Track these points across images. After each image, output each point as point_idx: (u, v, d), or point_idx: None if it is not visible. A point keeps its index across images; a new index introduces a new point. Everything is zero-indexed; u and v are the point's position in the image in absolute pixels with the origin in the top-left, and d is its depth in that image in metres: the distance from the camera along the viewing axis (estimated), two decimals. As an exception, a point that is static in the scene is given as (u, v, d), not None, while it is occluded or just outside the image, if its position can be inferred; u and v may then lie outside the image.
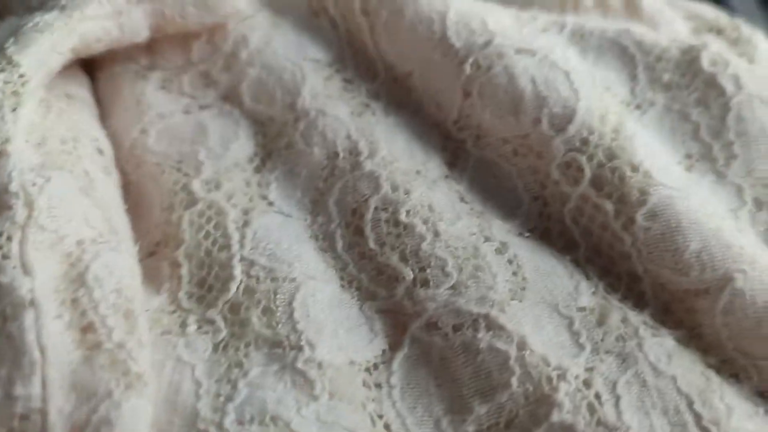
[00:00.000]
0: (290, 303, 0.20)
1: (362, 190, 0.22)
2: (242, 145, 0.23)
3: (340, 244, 0.21)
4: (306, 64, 0.24)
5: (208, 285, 0.20)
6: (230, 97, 0.24)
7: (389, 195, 0.21)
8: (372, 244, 0.21)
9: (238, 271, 0.20)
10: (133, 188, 0.22)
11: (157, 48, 0.25)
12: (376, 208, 0.21)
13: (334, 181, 0.22)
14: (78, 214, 0.19)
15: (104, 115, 0.24)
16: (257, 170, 0.23)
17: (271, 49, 0.24)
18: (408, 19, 0.24)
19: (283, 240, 0.21)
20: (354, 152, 0.22)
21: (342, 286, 0.21)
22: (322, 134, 0.23)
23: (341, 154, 0.22)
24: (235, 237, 0.21)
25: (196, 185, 0.22)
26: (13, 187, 0.18)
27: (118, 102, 0.24)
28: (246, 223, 0.21)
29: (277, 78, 0.24)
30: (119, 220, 0.20)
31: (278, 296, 0.20)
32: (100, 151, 0.22)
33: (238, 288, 0.20)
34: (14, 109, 0.19)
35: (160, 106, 0.24)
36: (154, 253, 0.21)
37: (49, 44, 0.21)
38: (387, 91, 0.24)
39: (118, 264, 0.19)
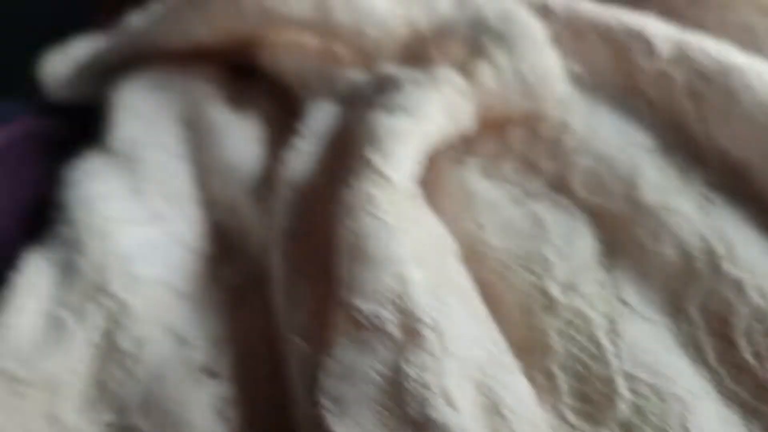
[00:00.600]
0: (683, 425, 0.19)
1: (727, 297, 0.21)
2: (586, 242, 0.22)
3: (711, 355, 0.20)
4: (635, 151, 0.23)
5: (592, 401, 0.20)
6: (559, 187, 0.23)
7: (759, 303, 0.21)
8: (748, 356, 0.20)
9: (621, 387, 0.20)
10: (480, 287, 0.22)
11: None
12: (746, 318, 0.20)
13: (692, 285, 0.21)
14: (467, 332, 0.19)
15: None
16: (607, 270, 0.22)
17: (597, 135, 0.24)
18: (745, 106, 0.23)
19: (656, 350, 0.20)
20: (710, 253, 0.21)
21: (724, 403, 0.20)
22: (672, 233, 0.22)
23: (697, 256, 0.21)
24: (609, 348, 0.20)
25: (554, 289, 0.21)
26: (419, 312, 0.18)
27: (440, 189, 0.24)
28: (614, 332, 0.20)
29: (609, 167, 0.23)
30: (494, 331, 0.20)
31: (670, 418, 0.19)
32: (454, 252, 0.21)
33: (625, 406, 0.19)
34: (398, 229, 0.19)
35: (487, 196, 0.23)
36: (517, 358, 0.21)
37: (411, 154, 0.21)
38: (724, 182, 0.23)
39: (519, 389, 0.18)
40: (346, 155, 0.22)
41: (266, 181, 0.25)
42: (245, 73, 0.32)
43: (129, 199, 0.25)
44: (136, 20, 0.32)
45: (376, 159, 0.20)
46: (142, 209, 0.25)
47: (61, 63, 0.39)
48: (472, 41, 0.24)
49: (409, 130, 0.21)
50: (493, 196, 0.23)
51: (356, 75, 0.26)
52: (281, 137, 0.28)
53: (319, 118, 0.25)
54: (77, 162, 0.27)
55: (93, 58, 0.35)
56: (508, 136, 0.24)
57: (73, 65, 0.36)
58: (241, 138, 0.28)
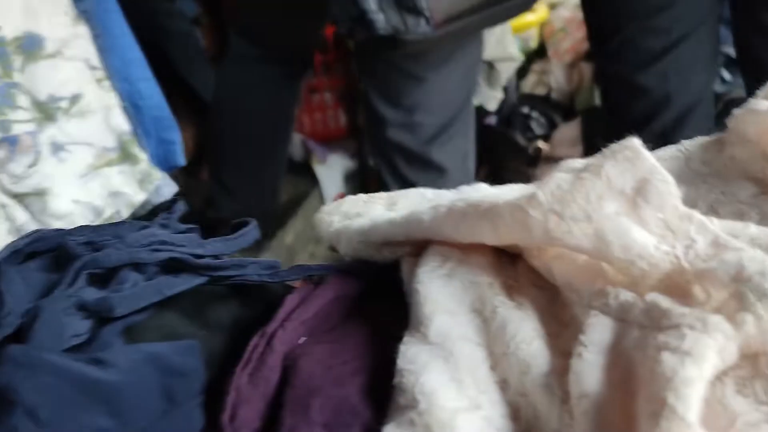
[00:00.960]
0: None
1: None
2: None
3: None
4: None
5: None
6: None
7: None
8: None
9: None
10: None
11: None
12: None
13: None
14: None
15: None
16: None
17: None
18: None
19: None
20: None
21: None
22: None
23: None
24: None
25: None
26: None
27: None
28: None
29: None
30: None
31: None
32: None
33: None
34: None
35: (744, 414, 0.30)
36: None
37: (699, 396, 0.28)
38: None
39: None
40: (639, 387, 0.29)
41: (553, 377, 0.33)
42: (513, 258, 0.40)
43: (453, 389, 0.33)
44: (425, 213, 0.40)
45: (679, 407, 0.27)
46: (463, 398, 0.33)
47: (338, 221, 0.48)
48: (736, 292, 0.30)
49: (698, 378, 0.28)
50: (749, 415, 0.30)
51: (625, 295, 0.33)
52: (556, 332, 0.36)
53: (599, 331, 0.33)
54: (403, 348, 0.35)
55: (374, 229, 0.44)
56: (759, 362, 0.31)
57: (355, 230, 0.45)
58: (523, 328, 0.35)
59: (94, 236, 0.44)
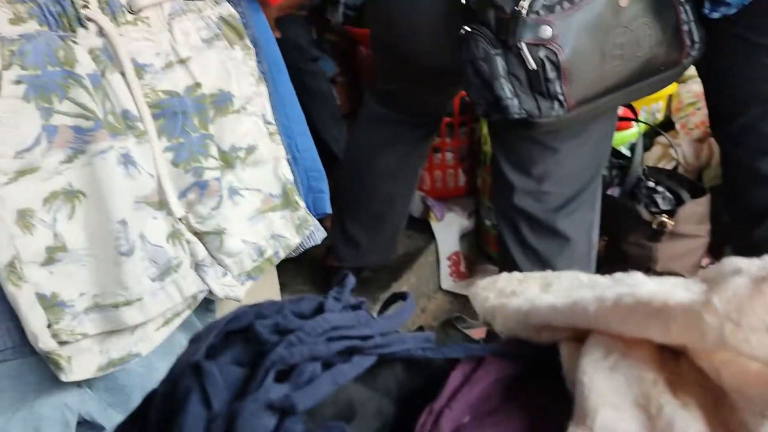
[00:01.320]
0: None
1: None
2: None
3: None
4: None
5: None
6: None
7: None
8: None
9: None
10: None
11: None
12: None
13: None
14: None
15: None
16: None
17: None
18: None
19: None
20: None
21: None
22: None
23: None
24: None
25: None
26: None
27: None
28: None
29: None
30: None
31: None
32: None
33: None
34: None
35: None
36: None
37: None
38: None
39: None
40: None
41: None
42: (676, 354, 0.42)
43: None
44: (589, 303, 0.43)
45: None
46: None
47: (493, 297, 0.51)
48: None
49: None
50: None
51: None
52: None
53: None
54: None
55: (534, 312, 0.47)
56: None
57: (513, 310, 0.48)
58: (689, 429, 0.37)
59: (279, 318, 0.50)
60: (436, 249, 1.96)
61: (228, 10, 0.86)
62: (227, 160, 0.85)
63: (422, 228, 2.01)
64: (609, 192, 1.71)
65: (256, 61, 0.91)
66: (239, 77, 0.85)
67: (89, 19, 0.71)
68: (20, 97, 0.64)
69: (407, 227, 1.99)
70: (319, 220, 1.99)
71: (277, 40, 1.77)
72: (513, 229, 1.32)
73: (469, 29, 1.02)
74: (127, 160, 0.72)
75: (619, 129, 1.91)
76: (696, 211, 1.65)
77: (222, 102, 0.84)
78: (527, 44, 0.98)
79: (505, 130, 1.24)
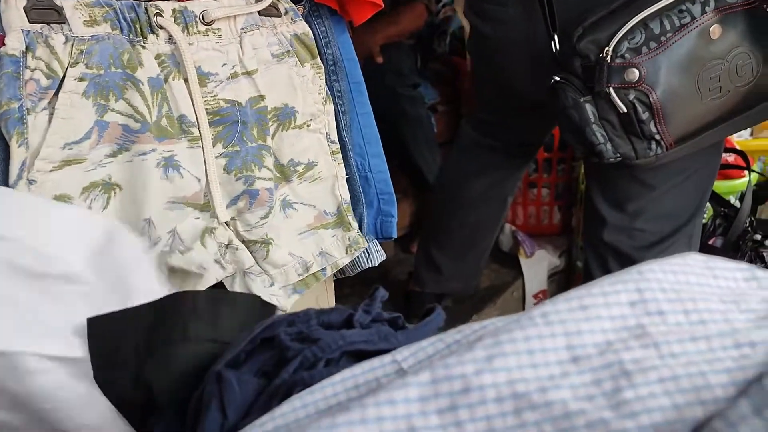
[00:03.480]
0: None
1: None
2: None
3: None
4: None
5: None
6: None
7: None
8: None
9: None
10: None
11: None
12: None
13: None
14: None
15: None
16: None
17: None
18: None
19: None
20: None
21: None
22: None
23: None
24: None
25: None
26: None
27: None
28: None
29: None
30: None
31: None
32: None
33: None
34: None
35: None
36: None
37: None
38: None
39: None
40: None
41: None
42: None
43: None
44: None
45: None
46: None
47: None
48: None
49: None
50: None
51: None
52: None
53: None
54: None
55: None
56: None
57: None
58: None
59: (304, 327, 0.52)
60: (523, 285, 1.92)
61: (303, 28, 0.87)
62: (284, 173, 0.85)
63: (511, 263, 1.97)
64: (710, 242, 1.62)
65: (325, 80, 0.92)
66: (305, 94, 0.86)
67: (160, 27, 0.74)
68: (80, 93, 0.68)
69: (495, 260, 1.97)
70: (406, 243, 2.01)
71: (379, 64, 1.83)
72: (601, 263, 1.28)
73: (558, 78, 1.02)
74: (169, 163, 0.74)
75: (730, 177, 1.81)
76: (808, 271, 1.53)
77: (285, 116, 0.85)
78: (615, 88, 0.97)
79: (601, 165, 1.22)
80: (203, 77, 0.77)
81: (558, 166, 1.99)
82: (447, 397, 0.34)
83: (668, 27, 0.96)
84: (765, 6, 0.97)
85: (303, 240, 0.88)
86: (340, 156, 0.91)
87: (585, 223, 1.36)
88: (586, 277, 1.32)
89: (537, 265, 1.93)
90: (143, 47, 0.73)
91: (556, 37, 1.05)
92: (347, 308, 0.56)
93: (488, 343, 0.35)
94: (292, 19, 0.86)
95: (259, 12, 0.83)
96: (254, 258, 0.82)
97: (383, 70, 1.85)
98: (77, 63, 0.68)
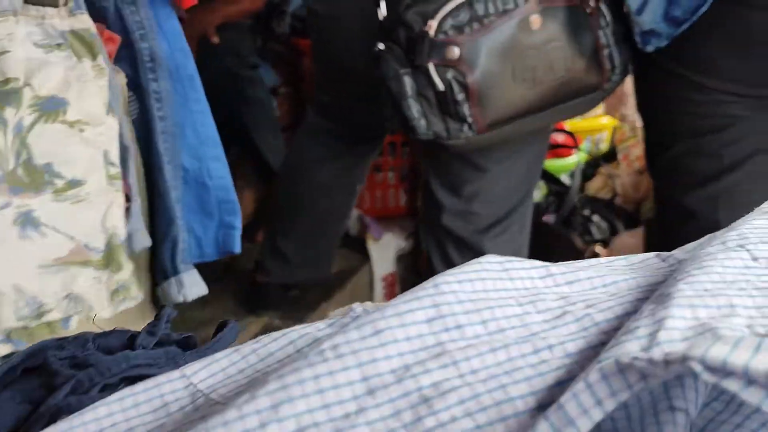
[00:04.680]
0: None
1: None
2: None
3: None
4: None
5: None
6: None
7: None
8: None
9: None
10: None
11: None
12: None
13: None
14: None
15: None
16: None
17: None
18: None
19: None
20: None
21: None
22: None
23: None
24: None
25: None
26: None
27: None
28: None
29: None
30: None
31: None
32: None
33: None
34: None
35: None
36: None
37: None
38: None
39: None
40: None
41: None
42: None
43: None
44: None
45: None
46: None
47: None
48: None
49: None
50: None
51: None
52: None
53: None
54: None
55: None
56: None
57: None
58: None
59: (78, 351, 0.46)
60: (371, 269, 1.92)
61: (83, 23, 0.75)
62: (34, 179, 0.68)
63: (358, 247, 1.97)
64: (544, 219, 1.70)
65: (140, 79, 0.82)
66: (82, 93, 0.72)
67: None
68: None
69: (343, 245, 1.95)
70: (250, 233, 1.94)
71: (215, 46, 1.74)
72: (440, 249, 1.30)
73: (382, 47, 1.00)
74: None
75: (560, 156, 1.91)
76: (629, 243, 1.64)
77: (52, 106, 0.70)
78: (435, 65, 0.97)
79: (434, 149, 1.22)
80: None
81: (403, 149, 2.00)
82: None
83: (492, 10, 0.97)
84: (584, 6, 1.00)
85: (44, 275, 0.69)
86: (119, 182, 0.76)
87: (424, 208, 1.38)
88: (427, 265, 1.34)
89: (385, 249, 1.94)
90: None
91: (383, 3, 1.03)
92: (127, 331, 0.50)
93: (273, 388, 0.32)
94: (70, 12, 0.74)
95: None
96: None
97: (221, 52, 1.76)
98: None
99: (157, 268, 0.92)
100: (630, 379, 0.29)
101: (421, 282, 0.39)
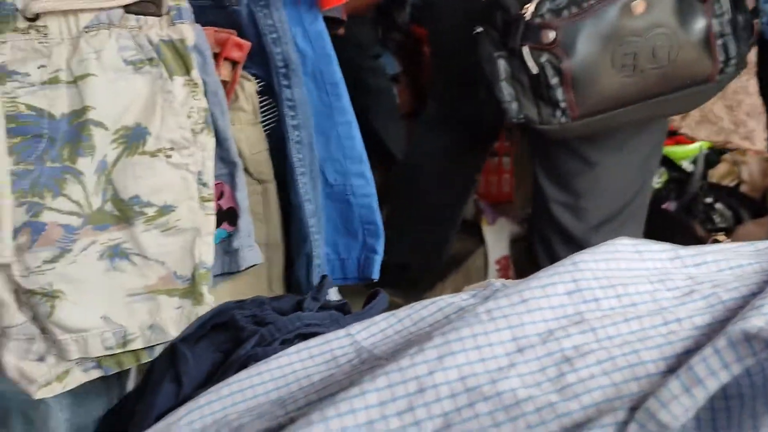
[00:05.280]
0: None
1: None
2: None
3: None
4: None
5: None
6: None
7: None
8: None
9: None
10: None
11: None
12: None
13: None
14: None
15: None
16: None
17: None
18: None
19: None
20: None
21: None
22: None
23: None
24: None
25: None
26: None
27: None
28: None
29: None
30: None
31: None
32: None
33: None
34: None
35: None
36: None
37: None
38: None
39: None
40: None
41: None
42: None
43: None
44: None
45: None
46: None
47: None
48: None
49: None
50: None
51: None
52: None
53: None
54: None
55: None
56: None
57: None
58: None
59: (258, 311, 0.55)
60: (485, 253, 1.97)
61: (182, 33, 0.70)
62: (124, 213, 0.68)
63: (473, 231, 2.01)
64: (664, 206, 1.68)
65: (274, 86, 0.78)
66: (166, 115, 0.69)
67: None
68: None
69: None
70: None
71: (339, 37, 1.82)
72: (545, 242, 1.27)
73: (480, 29, 1.00)
74: None
75: (682, 143, 1.87)
76: (755, 232, 1.59)
77: (134, 138, 0.68)
78: (530, 48, 0.96)
79: (539, 140, 1.21)
80: (4, 75, 0.64)
81: (517, 133, 2.02)
82: (404, 398, 0.37)
83: (592, -6, 0.94)
84: None
85: (132, 304, 0.69)
86: (211, 205, 0.72)
87: (533, 202, 1.36)
88: (531, 254, 1.32)
89: (499, 233, 1.97)
90: None
91: None
92: (295, 296, 0.59)
93: (437, 342, 0.38)
94: (171, 22, 0.70)
95: (126, 8, 0.68)
96: (36, 315, 0.66)
97: (343, 43, 1.85)
98: None
99: (293, 283, 0.90)
100: (756, 347, 0.34)
101: (536, 267, 0.44)
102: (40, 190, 0.64)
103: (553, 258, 1.23)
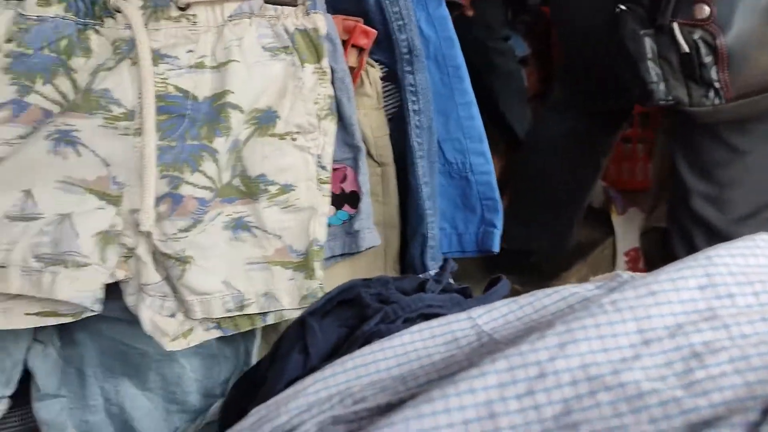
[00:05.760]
0: None
1: None
2: None
3: None
4: None
5: None
6: None
7: None
8: None
9: None
10: None
11: None
12: None
13: None
14: None
15: None
16: None
17: None
18: None
19: None
20: None
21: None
22: None
23: None
24: None
25: None
26: None
27: None
28: None
29: None
30: None
31: None
32: None
33: None
34: None
35: None
36: None
37: None
38: None
39: None
40: None
41: None
42: None
43: None
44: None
45: None
46: None
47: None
48: None
49: None
50: None
51: None
52: None
53: None
54: None
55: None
56: None
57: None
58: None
59: (383, 290, 0.56)
60: (614, 243, 1.90)
61: (315, 23, 0.74)
62: (250, 189, 0.73)
63: (601, 220, 1.95)
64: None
65: (398, 71, 0.80)
66: (295, 101, 0.73)
67: (117, 11, 0.68)
68: (2, 68, 0.67)
69: (585, 217, 1.94)
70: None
71: (468, 18, 1.82)
72: (685, 236, 1.21)
73: (623, 7, 0.96)
74: (63, 137, 0.67)
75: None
76: None
77: (265, 121, 0.73)
78: (680, 24, 0.91)
79: (681, 126, 1.16)
80: (157, 57, 0.69)
81: (653, 119, 1.92)
82: (524, 382, 0.37)
83: (754, -38, 0.88)
84: None
85: (250, 272, 0.73)
86: (327, 187, 0.76)
87: (671, 193, 1.31)
88: (668, 248, 1.27)
89: (630, 224, 1.89)
90: (97, 32, 0.69)
91: None
92: (418, 277, 0.60)
93: (560, 330, 0.38)
94: (306, 11, 0.74)
95: None
96: (169, 276, 0.71)
97: (472, 24, 1.84)
98: (11, 40, 0.67)
99: (407, 262, 0.94)
100: None
101: (670, 261, 0.43)
102: (180, 165, 0.69)
103: (695, 252, 1.17)
